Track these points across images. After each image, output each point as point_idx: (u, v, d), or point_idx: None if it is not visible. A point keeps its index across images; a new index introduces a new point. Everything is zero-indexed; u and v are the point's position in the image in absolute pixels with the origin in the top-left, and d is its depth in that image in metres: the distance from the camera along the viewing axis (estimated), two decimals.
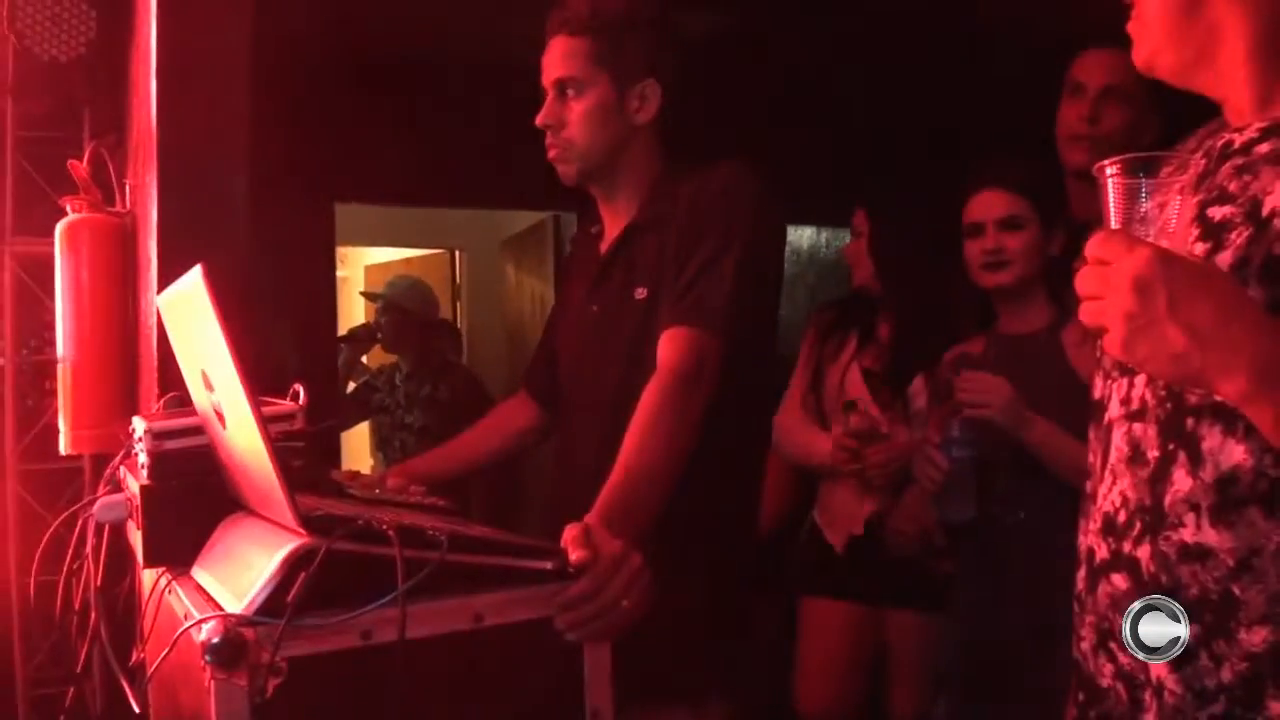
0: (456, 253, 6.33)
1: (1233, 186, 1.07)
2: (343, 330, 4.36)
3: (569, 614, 1.17)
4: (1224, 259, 1.04)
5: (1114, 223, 0.97)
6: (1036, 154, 2.36)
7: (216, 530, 1.28)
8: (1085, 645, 1.19)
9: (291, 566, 1.02)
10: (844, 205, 2.93)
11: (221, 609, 1.05)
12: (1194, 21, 1.13)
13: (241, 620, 1.00)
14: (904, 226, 2.73)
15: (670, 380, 1.60)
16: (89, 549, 1.54)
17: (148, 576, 1.37)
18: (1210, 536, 1.04)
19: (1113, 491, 1.14)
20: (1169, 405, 1.09)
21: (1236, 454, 1.03)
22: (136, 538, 1.36)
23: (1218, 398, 0.97)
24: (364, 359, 4.34)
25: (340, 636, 1.04)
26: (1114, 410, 1.16)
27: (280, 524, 1.11)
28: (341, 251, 5.49)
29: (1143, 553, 1.09)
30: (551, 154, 1.84)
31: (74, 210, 2.47)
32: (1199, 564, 1.05)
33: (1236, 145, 1.11)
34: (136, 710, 1.32)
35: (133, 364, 2.42)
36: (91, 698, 2.25)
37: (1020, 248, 2.19)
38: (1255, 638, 1.01)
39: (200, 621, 1.00)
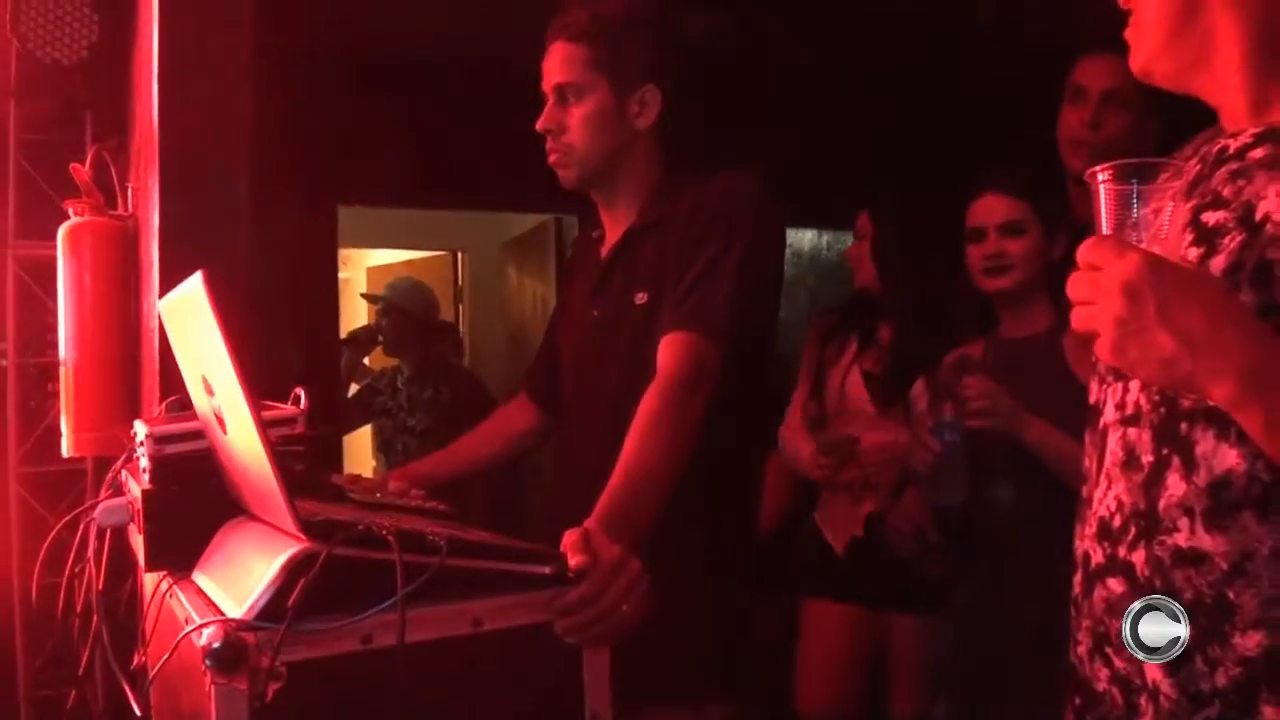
0: (458, 254, 6.33)
1: (1227, 191, 1.08)
2: (344, 333, 4.37)
3: (568, 619, 1.18)
4: (1217, 264, 1.04)
5: (1105, 228, 0.97)
6: (1038, 157, 2.36)
7: (218, 534, 1.28)
8: (1081, 649, 1.19)
9: (292, 572, 1.03)
10: (845, 208, 2.94)
11: (222, 614, 1.05)
12: (1190, 28, 1.14)
13: (242, 625, 1.00)
14: (906, 229, 2.73)
15: (670, 385, 1.61)
16: (91, 552, 1.55)
17: (149, 579, 1.38)
18: (1204, 541, 1.04)
19: (1108, 496, 1.15)
20: (1163, 410, 1.09)
21: (1230, 458, 1.03)
22: (138, 541, 1.37)
23: (1209, 402, 0.98)
24: (366, 361, 4.34)
25: (340, 641, 1.04)
26: (1109, 415, 1.17)
27: (281, 529, 1.12)
28: (344, 253, 5.49)
29: (1137, 557, 1.10)
30: (552, 159, 1.85)
31: (76, 213, 2.48)
32: (1193, 568, 1.05)
33: (1231, 150, 1.11)
34: (138, 713, 1.32)
35: (134, 367, 2.42)
36: (93, 700, 2.25)
37: (1021, 253, 2.19)
38: (1249, 642, 1.02)
39: (201, 626, 1.01)
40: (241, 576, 1.10)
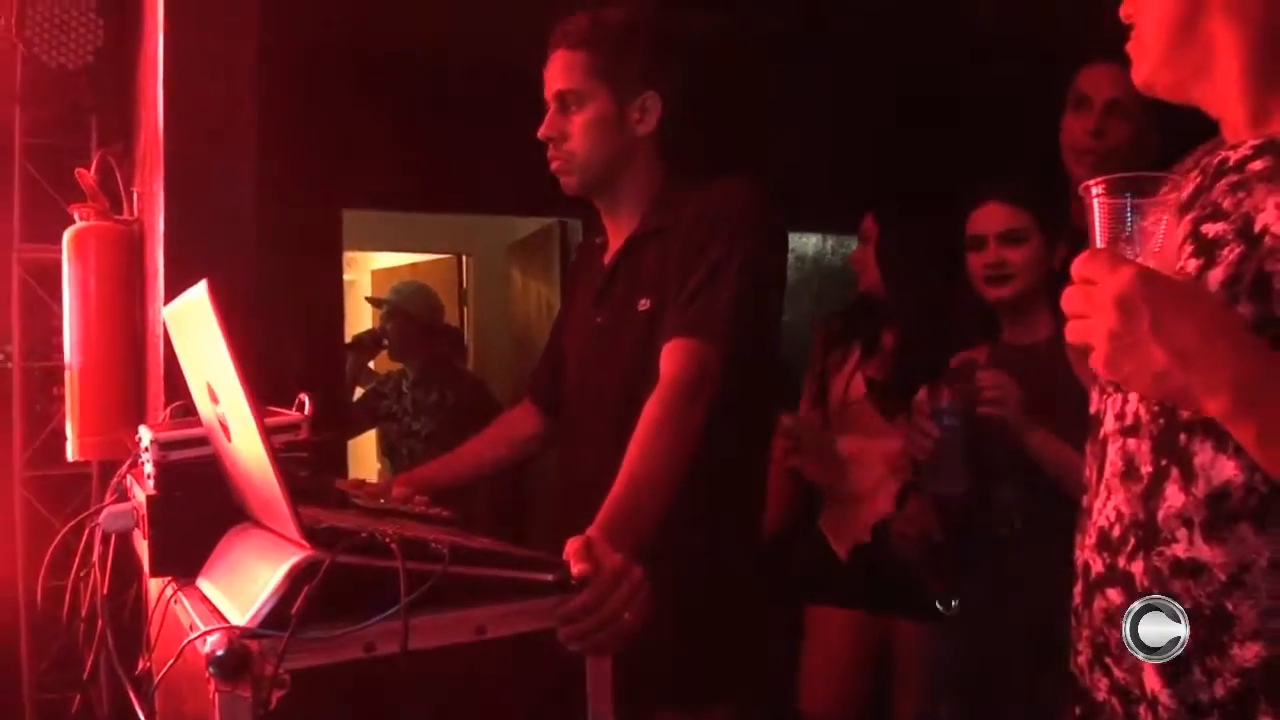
0: (463, 258, 6.33)
1: (1226, 203, 1.08)
2: (349, 335, 4.38)
3: (571, 626, 1.18)
4: (1216, 275, 1.05)
5: (1099, 242, 0.98)
6: (1039, 163, 2.37)
7: (222, 541, 1.29)
8: (1082, 659, 1.19)
9: (295, 579, 1.03)
10: (849, 212, 2.94)
11: (226, 621, 1.06)
12: (1190, 40, 1.14)
13: (245, 633, 1.01)
14: (909, 234, 2.74)
15: (672, 392, 1.61)
16: (96, 557, 1.55)
17: (154, 585, 1.38)
18: (1203, 552, 1.05)
19: (1107, 506, 1.15)
20: (1162, 421, 1.09)
21: (1227, 470, 1.03)
22: (143, 546, 1.38)
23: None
24: (371, 365, 4.34)
25: (343, 649, 1.05)
26: (1109, 425, 1.17)
27: (285, 536, 1.12)
28: (349, 256, 5.49)
29: (1136, 568, 1.10)
30: (553, 166, 1.85)
31: (82, 218, 2.49)
32: (1192, 579, 1.05)
33: (1231, 162, 1.12)
34: (142, 718, 1.33)
35: (139, 371, 2.43)
36: (97, 704, 2.26)
37: (1022, 261, 2.20)
38: (1247, 653, 1.02)
39: (205, 633, 1.02)
40: (245, 583, 1.10)
